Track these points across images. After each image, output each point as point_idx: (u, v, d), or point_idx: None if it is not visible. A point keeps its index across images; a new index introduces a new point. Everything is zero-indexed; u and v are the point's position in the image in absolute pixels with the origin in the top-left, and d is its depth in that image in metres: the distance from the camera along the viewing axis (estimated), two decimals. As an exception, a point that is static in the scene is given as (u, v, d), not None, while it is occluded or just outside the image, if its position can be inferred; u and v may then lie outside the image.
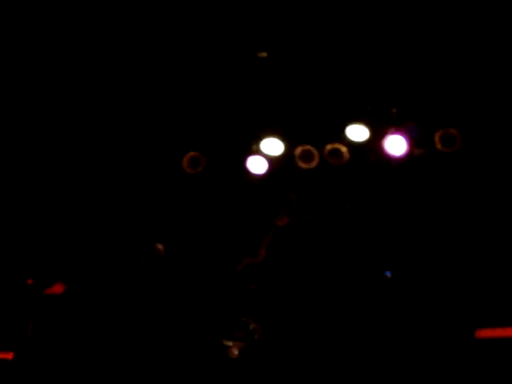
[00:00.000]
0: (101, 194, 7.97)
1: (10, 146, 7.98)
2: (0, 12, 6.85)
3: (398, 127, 7.92)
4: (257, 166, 8.13)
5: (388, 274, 7.75)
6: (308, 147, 8.12)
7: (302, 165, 8.13)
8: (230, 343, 7.50)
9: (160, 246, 6.79)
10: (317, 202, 6.29)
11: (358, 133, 8.03)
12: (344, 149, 8.08)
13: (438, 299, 7.40)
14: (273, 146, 8.12)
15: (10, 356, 7.14)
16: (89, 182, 8.05)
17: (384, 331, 7.13)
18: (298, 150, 8.10)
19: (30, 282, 7.20)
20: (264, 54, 7.83)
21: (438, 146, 7.89)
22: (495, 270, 7.61)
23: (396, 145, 7.97)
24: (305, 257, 6.39)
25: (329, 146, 8.08)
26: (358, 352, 7.24)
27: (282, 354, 7.44)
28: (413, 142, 8.00)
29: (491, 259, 7.67)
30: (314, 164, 8.12)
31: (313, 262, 6.46)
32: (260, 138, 8.16)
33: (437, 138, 7.89)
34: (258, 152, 8.14)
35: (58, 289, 7.12)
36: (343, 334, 7.18)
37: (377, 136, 8.02)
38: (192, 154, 8.06)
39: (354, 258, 7.00)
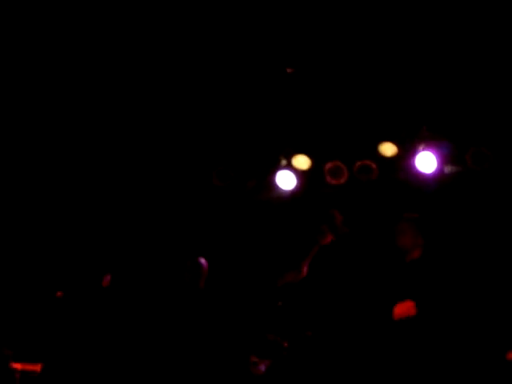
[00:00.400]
0: (136, 210, 7.96)
1: (33, 152, 7.97)
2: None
3: (429, 144, 7.86)
4: (286, 181, 8.09)
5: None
6: (337, 163, 8.08)
7: (332, 181, 8.08)
8: (257, 360, 7.42)
9: (203, 261, 6.77)
10: (352, 219, 6.23)
11: (388, 149, 7.98)
12: (374, 165, 8.03)
13: (468, 319, 7.29)
14: (302, 161, 8.09)
15: (38, 368, 7.09)
16: (120, 202, 8.05)
17: (414, 352, 7.02)
18: (328, 166, 8.07)
19: (59, 294, 7.16)
20: (291, 70, 7.82)
21: (470, 163, 7.83)
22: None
23: (427, 162, 7.90)
24: (338, 275, 6.32)
25: (358, 163, 8.04)
26: (386, 372, 7.13)
27: (309, 372, 7.34)
28: (444, 160, 7.94)
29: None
30: (343, 180, 8.08)
31: (345, 280, 6.39)
32: (289, 153, 8.13)
33: (468, 155, 7.83)
34: (287, 167, 8.11)
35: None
36: (372, 354, 7.08)
37: (407, 153, 7.97)
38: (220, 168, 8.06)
39: (386, 279, 6.93)
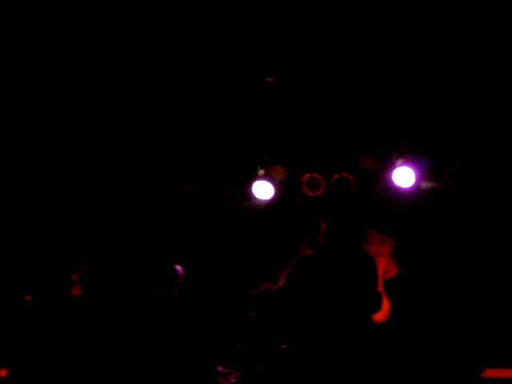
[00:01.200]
0: (112, 216, 7.87)
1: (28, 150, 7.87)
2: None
3: (407, 160, 7.85)
4: (263, 190, 8.02)
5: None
6: (315, 175, 8.04)
7: (309, 192, 8.04)
8: (227, 370, 7.31)
9: (178, 268, 6.71)
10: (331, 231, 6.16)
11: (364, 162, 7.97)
12: (351, 178, 8.01)
13: (445, 336, 7.27)
14: (278, 172, 8.04)
15: (2, 373, 6.94)
16: (95, 207, 7.95)
17: (391, 370, 6.97)
18: (305, 177, 8.02)
19: (27, 298, 7.03)
20: (272, 79, 7.77)
21: (447, 180, 7.83)
22: (505, 308, 7.51)
23: (404, 177, 7.89)
24: (314, 287, 6.23)
25: (336, 175, 8.01)
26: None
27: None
28: (421, 175, 7.93)
29: (501, 297, 7.57)
30: (320, 192, 8.04)
31: (321, 293, 6.30)
32: (267, 163, 8.08)
33: (446, 172, 7.83)
34: (265, 177, 8.05)
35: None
36: (347, 369, 7.01)
37: (385, 167, 7.96)
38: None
39: (364, 293, 6.87)
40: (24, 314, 6.94)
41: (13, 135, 7.75)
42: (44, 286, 7.43)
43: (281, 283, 6.18)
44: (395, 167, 7.88)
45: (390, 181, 7.91)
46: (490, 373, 7.04)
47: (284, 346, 6.91)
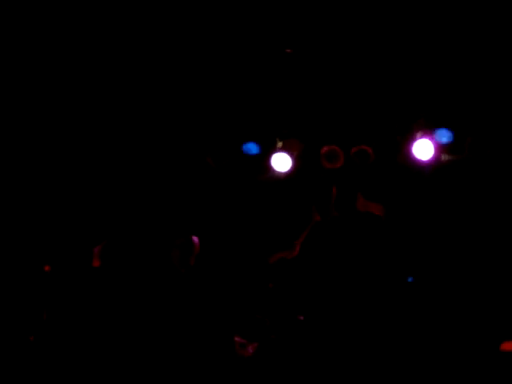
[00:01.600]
0: (128, 187, 7.91)
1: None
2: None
3: (427, 132, 7.80)
4: (281, 163, 8.02)
5: (411, 279, 7.60)
6: (334, 147, 8.01)
7: (327, 165, 8.02)
8: (244, 341, 7.34)
9: (195, 238, 6.74)
10: (343, 202, 6.17)
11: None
12: (370, 150, 7.97)
13: (461, 309, 7.23)
14: (294, 146, 8.03)
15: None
16: (113, 179, 7.99)
17: (406, 339, 6.97)
18: (324, 150, 8.00)
19: (47, 268, 7.09)
20: (290, 51, 7.73)
21: (467, 152, 7.76)
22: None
23: (424, 149, 7.84)
24: (328, 258, 6.25)
25: (355, 148, 7.98)
26: (378, 358, 7.08)
27: (298, 356, 7.27)
28: (441, 148, 7.87)
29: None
30: (339, 164, 8.01)
31: (336, 265, 6.32)
32: (285, 136, 8.07)
33: (466, 144, 7.77)
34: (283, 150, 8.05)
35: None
36: (363, 340, 7.02)
37: (405, 139, 7.91)
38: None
39: (378, 262, 6.86)
40: (43, 284, 7.01)
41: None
42: (64, 257, 7.49)
43: (296, 251, 6.20)
44: (415, 140, 7.83)
45: (410, 153, 7.86)
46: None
47: (301, 317, 6.93)
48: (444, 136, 7.82)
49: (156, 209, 7.89)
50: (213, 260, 7.06)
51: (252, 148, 7.84)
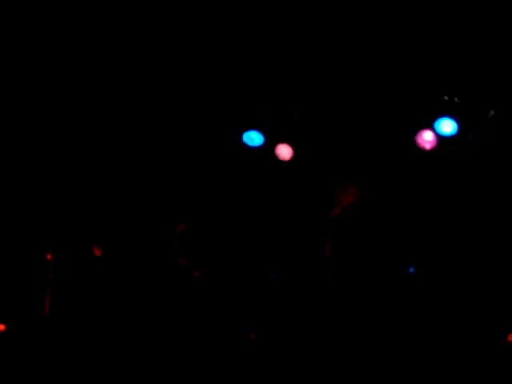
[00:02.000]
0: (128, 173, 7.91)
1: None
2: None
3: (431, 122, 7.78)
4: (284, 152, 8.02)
5: (412, 270, 7.60)
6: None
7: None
8: (248, 330, 7.34)
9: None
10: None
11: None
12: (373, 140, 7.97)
13: (467, 299, 7.22)
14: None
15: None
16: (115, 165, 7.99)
17: (408, 330, 6.97)
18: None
19: (49, 257, 7.11)
20: None
21: (471, 142, 7.74)
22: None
23: (427, 139, 7.83)
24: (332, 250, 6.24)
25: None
26: (381, 351, 7.08)
27: (299, 349, 7.28)
28: (444, 138, 7.85)
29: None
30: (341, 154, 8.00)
31: (338, 256, 6.30)
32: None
33: (470, 134, 7.74)
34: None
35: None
36: (364, 332, 7.03)
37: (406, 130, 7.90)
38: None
39: (379, 253, 6.85)
40: (45, 272, 7.03)
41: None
42: (66, 245, 7.51)
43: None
44: (419, 130, 7.81)
45: (414, 143, 7.85)
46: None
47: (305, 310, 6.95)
48: (447, 127, 7.79)
49: (156, 200, 7.88)
50: (214, 254, 7.05)
51: (253, 138, 7.82)
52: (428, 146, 7.82)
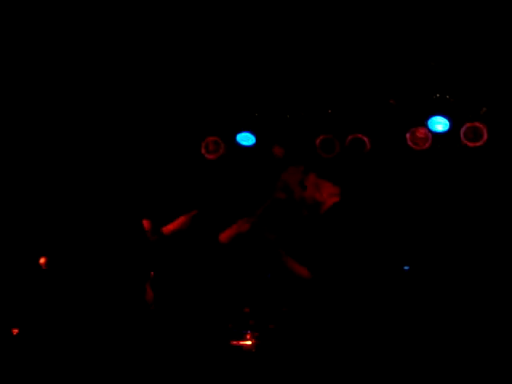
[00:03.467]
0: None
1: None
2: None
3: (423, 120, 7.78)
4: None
5: (406, 268, 7.61)
6: (329, 136, 8.01)
7: (324, 154, 8.02)
8: (242, 331, 7.33)
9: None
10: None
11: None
12: (366, 139, 7.96)
13: (462, 298, 7.23)
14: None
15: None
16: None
17: (401, 327, 6.95)
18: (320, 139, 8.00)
19: (42, 260, 7.10)
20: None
21: (463, 140, 7.72)
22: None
23: (421, 137, 7.82)
24: (320, 248, 6.19)
25: (350, 136, 7.96)
26: (374, 349, 7.05)
27: (295, 347, 7.26)
28: (437, 135, 7.85)
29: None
30: (334, 153, 8.01)
31: (328, 255, 6.27)
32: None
33: (462, 131, 7.73)
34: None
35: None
36: (357, 330, 7.00)
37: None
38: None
39: (372, 252, 6.83)
40: (39, 275, 7.01)
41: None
42: (58, 248, 7.49)
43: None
44: (411, 128, 7.81)
45: (407, 141, 7.85)
46: None
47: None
48: (439, 124, 7.79)
49: (147, 199, 7.85)
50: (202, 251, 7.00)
51: (246, 138, 7.82)
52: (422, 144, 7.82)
